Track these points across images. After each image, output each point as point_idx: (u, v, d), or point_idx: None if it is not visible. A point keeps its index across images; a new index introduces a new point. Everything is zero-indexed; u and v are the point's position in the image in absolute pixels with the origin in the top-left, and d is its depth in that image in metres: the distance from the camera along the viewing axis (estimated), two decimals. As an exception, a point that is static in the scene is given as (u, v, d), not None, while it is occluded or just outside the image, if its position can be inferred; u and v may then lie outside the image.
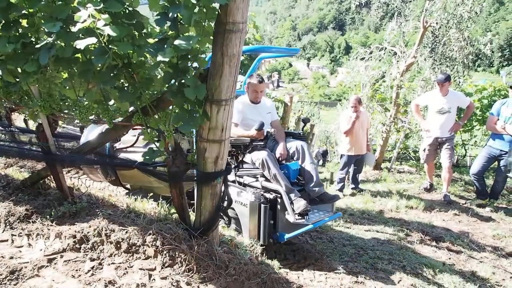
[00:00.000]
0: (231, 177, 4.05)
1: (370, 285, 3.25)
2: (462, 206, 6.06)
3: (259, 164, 3.74)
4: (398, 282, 3.44)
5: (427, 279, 3.59)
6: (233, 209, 3.80)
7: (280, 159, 3.93)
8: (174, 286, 2.31)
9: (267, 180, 3.77)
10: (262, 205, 3.50)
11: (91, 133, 4.38)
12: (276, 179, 3.65)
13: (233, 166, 3.98)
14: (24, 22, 2.34)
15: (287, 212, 3.52)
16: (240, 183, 4.03)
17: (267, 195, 3.65)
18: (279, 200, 3.60)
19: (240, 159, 3.97)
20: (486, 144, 6.02)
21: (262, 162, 3.71)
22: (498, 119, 5.64)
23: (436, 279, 3.62)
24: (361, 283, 3.29)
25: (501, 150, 5.63)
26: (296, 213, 3.49)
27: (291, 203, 3.53)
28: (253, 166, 3.89)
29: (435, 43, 8.17)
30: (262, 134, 3.82)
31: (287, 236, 3.52)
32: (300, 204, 3.49)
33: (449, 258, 4.22)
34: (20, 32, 2.34)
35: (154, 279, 2.36)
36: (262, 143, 3.89)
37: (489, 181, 6.63)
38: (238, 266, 2.55)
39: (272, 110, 4.34)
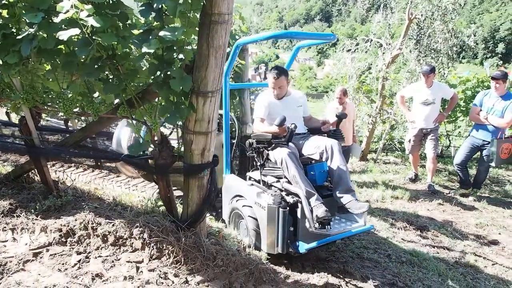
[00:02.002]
0: (256, 176, 3.81)
1: (356, 274, 3.30)
2: (446, 195, 6.16)
3: (280, 163, 3.37)
4: (384, 271, 3.50)
5: (411, 267, 3.66)
6: (252, 212, 3.51)
7: (322, 128, 3.65)
8: (162, 278, 2.31)
9: (289, 181, 3.38)
10: (281, 209, 3.16)
11: (122, 131, 4.29)
12: (295, 181, 3.24)
13: (258, 164, 3.70)
14: (4, 13, 2.29)
15: (307, 219, 3.12)
16: (264, 183, 3.69)
17: (288, 199, 3.29)
18: (299, 204, 3.21)
19: (265, 156, 3.63)
20: (469, 135, 6.12)
21: (281, 161, 3.33)
22: (481, 110, 5.73)
23: (420, 267, 3.69)
24: (347, 272, 3.34)
25: (483, 140, 5.73)
26: (315, 221, 3.09)
27: (311, 209, 3.13)
28: (277, 165, 3.51)
29: (420, 35, 8.23)
30: (284, 130, 3.39)
31: (305, 247, 3.13)
32: (319, 211, 3.07)
33: (433, 247, 4.31)
34: (0, 23, 2.29)
35: (141, 272, 2.36)
36: (283, 139, 3.44)
37: (472, 171, 6.75)
38: (226, 257, 2.56)
39: (303, 104, 3.94)
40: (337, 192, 3.32)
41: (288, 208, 3.20)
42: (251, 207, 3.51)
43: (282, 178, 3.47)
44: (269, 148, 3.51)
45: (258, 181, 3.74)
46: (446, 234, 4.67)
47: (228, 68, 3.73)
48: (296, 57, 4.70)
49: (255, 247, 3.39)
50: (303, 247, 3.14)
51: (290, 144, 3.47)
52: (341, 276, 3.24)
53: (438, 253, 4.17)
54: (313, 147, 3.54)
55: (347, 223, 3.48)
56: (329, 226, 3.15)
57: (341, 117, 4.00)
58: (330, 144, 3.44)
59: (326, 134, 3.82)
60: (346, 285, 3.06)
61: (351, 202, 3.23)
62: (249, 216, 3.51)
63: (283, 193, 3.36)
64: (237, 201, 3.75)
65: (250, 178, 3.92)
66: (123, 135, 4.34)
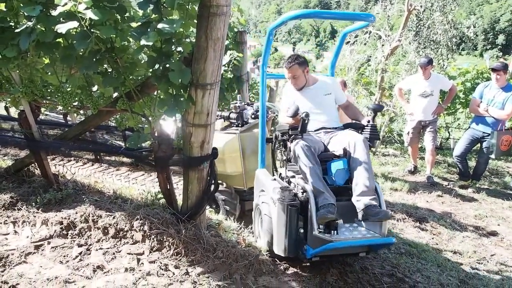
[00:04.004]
0: (282, 171, 3.43)
1: (356, 265, 3.32)
2: (445, 187, 6.18)
3: (295, 156, 3.04)
4: (383, 262, 3.52)
5: (411, 258, 3.68)
6: (268, 208, 3.15)
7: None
8: (162, 269, 2.33)
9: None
10: (289, 207, 2.75)
11: (165, 124, 4.23)
12: (306, 176, 2.89)
13: (284, 158, 3.36)
14: (2, 6, 2.29)
15: (312, 220, 2.73)
16: (287, 178, 3.31)
17: (301, 196, 2.89)
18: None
19: (289, 149, 3.24)
20: (469, 127, 6.12)
21: (294, 154, 3.01)
22: (481, 102, 5.73)
23: (419, 258, 3.71)
24: (347, 263, 3.36)
25: (483, 132, 5.73)
26: (318, 223, 2.69)
27: (317, 209, 2.74)
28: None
29: (419, 27, 8.20)
30: (299, 121, 3.04)
31: (311, 252, 2.70)
32: (321, 211, 2.67)
33: (432, 238, 4.33)
34: (-2, 16, 2.29)
35: (142, 263, 2.38)
36: (298, 131, 3.06)
37: (472, 163, 6.77)
38: (226, 249, 2.59)
39: (333, 91, 3.51)
40: (354, 194, 2.86)
41: (298, 206, 2.78)
42: (268, 202, 3.19)
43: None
44: (289, 140, 3.19)
45: (282, 176, 3.40)
46: (445, 225, 4.69)
47: (265, 57, 3.48)
48: (342, 46, 4.17)
49: (268, 247, 3.10)
50: (309, 252, 2.72)
51: (310, 137, 3.18)
52: (341, 267, 3.26)
53: (437, 244, 4.19)
54: (338, 142, 3.16)
55: (362, 232, 2.85)
56: (335, 232, 2.72)
57: (375, 110, 3.43)
58: (353, 139, 3.01)
59: (361, 130, 3.34)
60: (346, 276, 3.08)
61: (367, 208, 2.74)
62: (265, 212, 3.20)
63: (300, 190, 2.97)
64: (259, 196, 3.44)
65: (280, 174, 3.56)
66: (165, 128, 4.30)
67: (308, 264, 3.13)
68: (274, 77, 4.36)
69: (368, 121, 3.34)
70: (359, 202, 2.80)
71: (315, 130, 3.32)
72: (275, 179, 3.33)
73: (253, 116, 4.33)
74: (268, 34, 3.36)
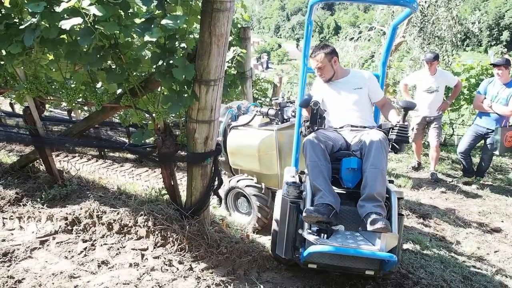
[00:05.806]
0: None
1: (359, 261, 3.33)
2: (449, 184, 6.16)
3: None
4: (386, 258, 3.52)
5: (414, 254, 3.68)
6: (278, 204, 2.88)
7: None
8: (166, 265, 2.35)
9: None
10: (289, 203, 2.56)
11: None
12: (308, 172, 2.67)
13: None
14: (6, 2, 2.29)
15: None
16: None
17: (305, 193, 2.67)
18: None
19: None
20: (473, 123, 6.10)
21: (302, 148, 2.80)
22: (485, 98, 5.70)
23: (423, 254, 3.71)
24: (350, 259, 3.36)
25: (487, 129, 5.70)
26: (307, 223, 2.44)
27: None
28: None
29: (424, 22, 8.17)
30: (310, 111, 2.83)
31: (305, 253, 2.43)
32: (308, 210, 2.39)
33: (436, 234, 4.32)
34: (2, 13, 2.29)
35: (146, 259, 2.40)
36: (309, 123, 2.83)
37: (476, 159, 6.74)
38: (230, 245, 2.60)
39: (365, 85, 3.17)
40: (360, 199, 2.55)
41: (300, 204, 2.59)
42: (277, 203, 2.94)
43: None
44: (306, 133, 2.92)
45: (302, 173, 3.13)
46: (449, 222, 4.68)
47: (305, 49, 3.25)
48: (393, 41, 3.70)
49: (272, 246, 2.86)
50: (302, 255, 2.48)
51: (329, 132, 2.93)
52: (344, 263, 3.26)
53: (441, 240, 4.19)
54: (359, 142, 2.84)
55: (359, 242, 2.45)
56: (325, 235, 2.42)
57: (406, 108, 2.93)
58: (370, 138, 2.68)
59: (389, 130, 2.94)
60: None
61: (367, 215, 2.43)
62: (276, 209, 2.96)
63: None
64: (278, 194, 3.14)
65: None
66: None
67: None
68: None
69: (398, 121, 2.92)
70: (362, 208, 2.51)
71: (339, 127, 3.08)
72: (293, 176, 2.99)
73: (293, 114, 4.02)
74: (306, 25, 3.13)
